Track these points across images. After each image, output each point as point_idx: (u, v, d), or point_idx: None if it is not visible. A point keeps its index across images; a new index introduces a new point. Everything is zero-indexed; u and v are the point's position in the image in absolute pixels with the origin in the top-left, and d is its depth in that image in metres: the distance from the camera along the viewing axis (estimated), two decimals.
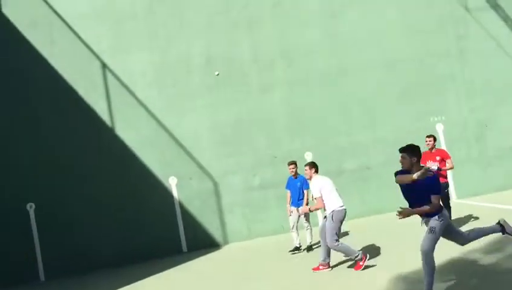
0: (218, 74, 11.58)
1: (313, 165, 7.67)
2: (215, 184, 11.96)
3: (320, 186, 7.27)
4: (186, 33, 12.05)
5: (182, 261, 10.36)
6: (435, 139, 8.77)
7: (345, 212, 7.25)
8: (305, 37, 12.23)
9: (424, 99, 12.29)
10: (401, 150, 5.37)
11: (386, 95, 12.28)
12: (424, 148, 7.37)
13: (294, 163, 9.39)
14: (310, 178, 7.64)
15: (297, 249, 9.19)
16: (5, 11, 11.75)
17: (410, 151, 5.31)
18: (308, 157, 11.51)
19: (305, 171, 7.77)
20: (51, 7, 11.79)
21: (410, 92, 12.31)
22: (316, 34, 12.27)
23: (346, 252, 7.14)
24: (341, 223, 7.22)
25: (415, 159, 5.29)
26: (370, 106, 12.25)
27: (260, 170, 11.93)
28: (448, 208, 8.43)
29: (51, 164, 11.47)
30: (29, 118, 11.57)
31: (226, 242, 11.82)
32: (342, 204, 7.22)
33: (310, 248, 9.15)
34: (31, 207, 11.39)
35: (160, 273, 9.51)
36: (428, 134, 8.93)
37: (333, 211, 7.14)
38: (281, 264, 8.52)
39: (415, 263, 6.15)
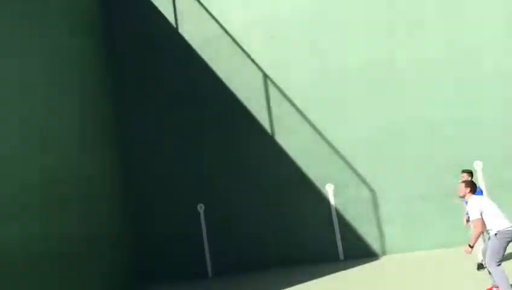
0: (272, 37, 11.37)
1: (469, 184, 6.85)
2: (373, 193, 11.76)
3: (479, 207, 6.62)
4: (346, 39, 12.08)
5: (339, 269, 10.38)
6: None
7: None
8: (478, 36, 11.35)
9: None
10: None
11: None
12: None
13: (466, 172, 8.58)
14: (464, 196, 6.92)
15: (480, 266, 8.53)
16: (181, 30, 13.12)
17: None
18: (478, 167, 10.66)
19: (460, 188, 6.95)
20: (219, 24, 12.83)
21: None
22: (491, 31, 11.30)
23: (499, 281, 6.40)
24: (507, 244, 6.51)
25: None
26: None
27: (421, 179, 11.40)
28: None
29: (219, 169, 12.47)
30: (197, 126, 12.73)
31: (384, 253, 11.53)
32: (509, 225, 6.49)
33: (480, 266, 8.45)
34: (201, 208, 12.49)
35: (318, 279, 9.65)
36: None
37: (498, 231, 6.46)
38: (441, 281, 8.03)
39: None
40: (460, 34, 11.40)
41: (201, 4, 13.01)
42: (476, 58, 11.24)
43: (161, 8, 13.32)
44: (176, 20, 13.18)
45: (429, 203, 11.22)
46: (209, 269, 12.32)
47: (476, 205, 6.55)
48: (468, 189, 6.82)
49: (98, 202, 11.53)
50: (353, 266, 10.56)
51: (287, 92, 12.40)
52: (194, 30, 13.03)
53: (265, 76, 12.58)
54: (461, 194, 6.89)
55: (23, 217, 9.23)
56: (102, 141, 12.31)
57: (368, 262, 10.88)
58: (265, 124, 12.50)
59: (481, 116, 11.15)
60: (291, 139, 12.27)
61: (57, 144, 10.49)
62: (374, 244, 11.64)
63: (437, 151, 11.36)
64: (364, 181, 11.82)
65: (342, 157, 11.95)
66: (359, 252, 11.56)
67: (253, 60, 12.68)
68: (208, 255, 12.36)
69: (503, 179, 10.54)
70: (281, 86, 12.43)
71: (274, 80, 12.50)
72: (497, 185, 10.56)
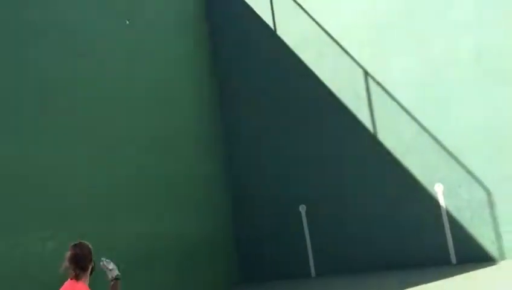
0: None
1: None
2: (488, 193, 10.88)
3: None
4: (450, 30, 11.35)
5: (451, 274, 9.75)
6: None
7: None
8: None
9: None
10: None
11: None
12: None
13: None
14: None
15: None
16: (279, 32, 13.24)
17: None
18: None
19: None
20: (317, 23, 12.74)
21: None
22: None
23: None
24: None
25: None
26: None
27: None
28: None
29: (322, 170, 12.37)
30: (301, 127, 12.74)
31: (503, 258, 10.60)
32: None
33: None
34: (302, 209, 12.46)
35: (427, 285, 9.15)
36: None
37: None
38: None
39: None
40: None
41: (298, 4, 13.01)
42: None
43: (257, 9, 13.54)
44: (274, 22, 13.31)
45: None
46: (312, 269, 12.24)
47: None
48: None
49: (209, 204, 12.06)
50: (466, 271, 9.85)
51: (389, 89, 11.94)
52: (291, 31, 13.07)
53: (366, 73, 12.24)
54: None
55: (138, 216, 9.91)
56: (213, 144, 12.89)
57: (482, 267, 10.09)
58: (368, 123, 12.14)
59: None
60: (395, 138, 11.78)
61: (175, 149, 11.26)
62: (491, 248, 10.76)
63: None
64: (477, 180, 10.99)
65: (452, 155, 11.22)
66: (474, 256, 10.75)
67: (352, 57, 12.41)
68: (311, 256, 12.28)
69: None
70: (383, 83, 12.01)
71: (375, 77, 12.11)
72: None
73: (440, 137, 11.37)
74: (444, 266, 10.73)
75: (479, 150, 10.96)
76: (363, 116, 12.17)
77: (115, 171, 9.70)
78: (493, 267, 10.12)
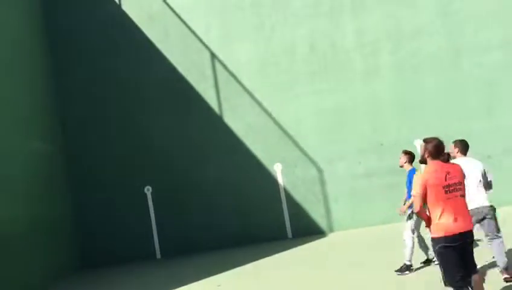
0: None
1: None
2: (320, 171, 11.95)
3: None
4: (291, 21, 12.09)
5: (287, 248, 10.54)
6: None
7: None
8: (413, 18, 11.64)
9: None
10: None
11: (506, 78, 11.28)
12: None
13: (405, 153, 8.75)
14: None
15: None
16: (124, 8, 12.70)
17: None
18: (418, 145, 11.00)
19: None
20: (165, 2, 12.51)
21: None
22: (425, 14, 11.62)
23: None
24: None
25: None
26: (487, 91, 11.34)
27: (365, 158, 11.67)
28: None
29: (166, 151, 12.29)
30: (144, 107, 12.47)
31: (331, 230, 11.78)
32: None
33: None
34: (148, 190, 12.30)
35: (266, 259, 9.77)
36: None
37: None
38: (384, 254, 8.30)
39: None
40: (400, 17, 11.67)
41: None
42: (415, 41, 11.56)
43: None
44: None
45: (374, 180, 11.51)
46: (157, 251, 12.20)
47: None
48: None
49: (43, 185, 11.11)
50: (300, 244, 10.74)
51: (234, 72, 12.31)
52: (137, 7, 12.64)
53: (213, 55, 12.43)
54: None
55: None
56: (46, 125, 11.85)
57: (315, 240, 11.10)
58: (214, 105, 12.38)
59: (422, 99, 11.51)
60: (239, 120, 12.23)
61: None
62: (321, 222, 11.87)
63: (380, 131, 11.64)
64: (311, 160, 11.98)
65: (290, 137, 12.05)
66: (307, 230, 11.76)
67: (200, 40, 12.49)
68: (156, 237, 12.22)
69: None
70: (229, 65, 12.33)
71: (221, 59, 12.37)
72: None
73: (280, 121, 12.10)
74: (281, 240, 11.55)
75: (313, 133, 11.94)
76: (209, 98, 12.38)
77: None
78: (323, 239, 11.19)
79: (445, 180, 4.45)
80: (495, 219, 5.95)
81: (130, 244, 12.16)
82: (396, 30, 11.73)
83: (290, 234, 11.87)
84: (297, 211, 11.88)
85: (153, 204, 12.28)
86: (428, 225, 4.58)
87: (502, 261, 5.82)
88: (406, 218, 7.12)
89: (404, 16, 11.69)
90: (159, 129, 12.40)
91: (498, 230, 5.94)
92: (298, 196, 11.94)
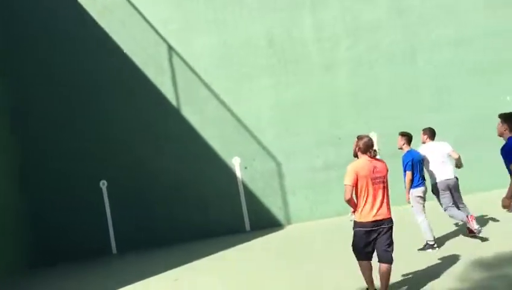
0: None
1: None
2: (278, 165, 12.01)
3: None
4: (249, 15, 12.07)
5: (245, 240, 10.55)
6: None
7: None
8: (371, 14, 11.87)
9: (498, 77, 11.56)
10: (500, 115, 5.19)
11: (457, 74, 11.68)
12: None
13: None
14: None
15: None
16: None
17: (505, 118, 5.11)
18: (373, 138, 11.21)
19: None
20: None
21: (483, 70, 11.62)
22: (383, 10, 11.87)
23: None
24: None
25: (506, 127, 5.07)
26: (440, 85, 11.71)
27: (323, 151, 11.83)
28: None
29: (122, 144, 12.03)
30: (100, 100, 12.15)
31: (289, 222, 11.88)
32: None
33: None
34: (103, 184, 12.02)
35: (223, 252, 9.75)
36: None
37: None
38: (341, 245, 8.43)
39: None
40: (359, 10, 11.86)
41: None
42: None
43: None
44: None
45: (331, 173, 11.67)
46: (113, 246, 11.96)
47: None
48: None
49: None
50: (257, 237, 10.77)
51: (192, 65, 12.18)
52: None
53: (170, 48, 12.25)
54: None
55: None
56: None
57: (272, 232, 11.16)
58: (171, 97, 12.21)
59: (378, 93, 11.76)
60: (197, 113, 12.12)
61: None
62: (279, 215, 11.95)
63: (338, 124, 11.81)
64: (269, 153, 12.02)
65: (249, 131, 12.04)
66: (265, 222, 11.81)
67: (158, 32, 12.27)
68: (111, 233, 11.97)
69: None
70: (186, 58, 12.18)
71: (179, 52, 12.20)
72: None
73: (239, 114, 12.07)
74: (239, 233, 11.56)
75: (271, 127, 11.99)
76: (167, 90, 12.20)
77: None
78: (281, 231, 11.27)
79: (373, 173, 5.18)
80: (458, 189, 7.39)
81: (84, 240, 11.84)
82: (353, 25, 11.92)
83: (248, 227, 11.89)
84: (256, 204, 11.91)
85: (108, 198, 12.01)
86: (354, 210, 5.33)
87: (461, 217, 7.15)
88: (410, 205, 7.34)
89: (362, 11, 11.89)
90: (115, 122, 12.12)
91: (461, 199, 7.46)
92: (256, 189, 11.97)
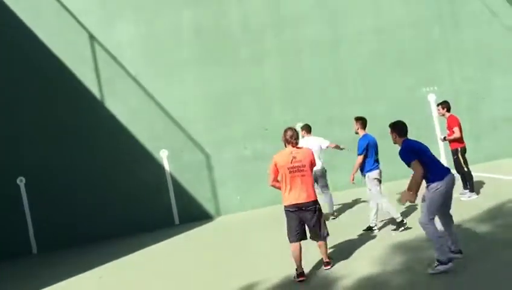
0: None
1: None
2: (207, 156, 11.91)
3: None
4: (174, 4, 11.81)
5: (173, 234, 10.38)
6: (444, 107, 8.70)
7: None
8: (295, 5, 12.01)
9: (417, 68, 12.11)
10: (389, 125, 5.65)
11: (379, 65, 12.10)
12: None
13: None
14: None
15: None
16: None
17: (392, 127, 5.57)
18: (298, 128, 11.38)
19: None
20: None
21: (403, 62, 12.13)
22: (307, 2, 12.05)
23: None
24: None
25: (395, 135, 5.51)
26: (363, 76, 12.09)
27: (251, 142, 11.86)
28: (462, 174, 8.51)
29: (41, 138, 11.39)
30: (17, 91, 11.42)
31: (219, 214, 11.83)
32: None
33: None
34: (21, 181, 11.34)
35: (150, 247, 9.53)
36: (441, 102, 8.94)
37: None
38: (270, 234, 8.51)
39: None
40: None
41: None
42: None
43: None
44: None
45: (260, 164, 11.70)
46: (33, 246, 11.33)
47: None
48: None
49: None
50: (186, 230, 10.64)
51: (115, 55, 11.74)
52: None
53: (92, 37, 11.73)
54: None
55: None
56: None
57: (202, 225, 11.07)
58: (94, 89, 11.71)
59: (305, 84, 11.95)
60: (122, 104, 11.72)
61: None
62: (209, 207, 11.87)
63: (265, 115, 11.89)
64: (197, 145, 11.88)
65: (176, 122, 11.82)
66: (194, 215, 11.68)
67: (77, 19, 11.70)
68: (31, 231, 11.32)
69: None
70: (109, 48, 11.72)
71: (101, 41, 11.71)
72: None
73: (165, 106, 11.80)
74: (168, 227, 11.35)
75: (199, 118, 11.84)
76: (89, 81, 11.68)
77: None
78: (210, 223, 11.20)
79: (291, 163, 5.76)
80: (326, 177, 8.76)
81: (2, 240, 11.10)
82: (278, 16, 11.99)
83: (177, 220, 11.71)
84: (185, 196, 11.74)
85: (27, 195, 11.34)
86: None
87: (332, 206, 8.79)
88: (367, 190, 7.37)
89: (286, 2, 11.99)
90: (32, 115, 11.43)
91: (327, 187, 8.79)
92: (185, 182, 11.80)
